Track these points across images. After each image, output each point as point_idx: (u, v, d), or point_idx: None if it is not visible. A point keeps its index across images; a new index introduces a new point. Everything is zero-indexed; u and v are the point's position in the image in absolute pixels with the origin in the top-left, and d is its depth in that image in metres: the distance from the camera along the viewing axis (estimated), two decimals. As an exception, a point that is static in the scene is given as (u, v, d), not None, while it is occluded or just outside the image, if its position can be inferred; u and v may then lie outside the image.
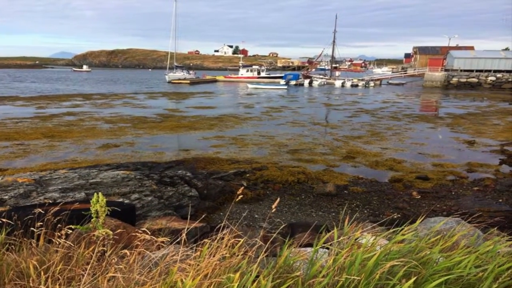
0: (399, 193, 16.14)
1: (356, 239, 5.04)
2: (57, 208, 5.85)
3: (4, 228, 5.34)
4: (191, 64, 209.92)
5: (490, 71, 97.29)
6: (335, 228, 5.24)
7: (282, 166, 19.72)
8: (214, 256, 4.21)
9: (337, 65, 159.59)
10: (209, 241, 4.56)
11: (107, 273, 4.14)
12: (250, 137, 27.64)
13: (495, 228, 6.79)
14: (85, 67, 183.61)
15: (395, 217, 12.44)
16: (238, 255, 4.43)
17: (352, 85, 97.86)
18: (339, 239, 5.00)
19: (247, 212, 13.54)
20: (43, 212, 5.53)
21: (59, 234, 4.89)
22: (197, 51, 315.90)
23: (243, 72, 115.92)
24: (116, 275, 4.04)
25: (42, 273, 4.17)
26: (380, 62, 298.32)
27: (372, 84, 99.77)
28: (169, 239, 5.02)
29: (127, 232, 6.40)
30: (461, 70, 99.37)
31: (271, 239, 5.18)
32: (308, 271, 4.45)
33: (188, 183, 14.83)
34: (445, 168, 19.97)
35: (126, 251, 4.52)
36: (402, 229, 5.20)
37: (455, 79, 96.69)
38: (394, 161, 21.07)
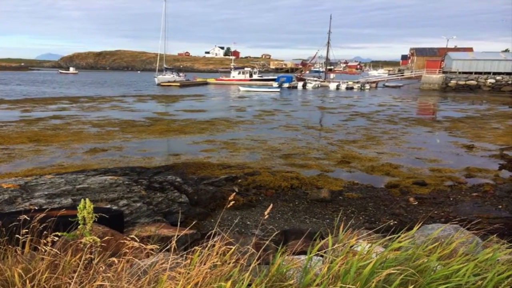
0: (395, 199, 16.18)
1: (351, 247, 5.05)
2: (43, 215, 5.84)
3: (-12, 235, 5.33)
4: (181, 66, 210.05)
5: (489, 73, 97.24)
6: (329, 235, 5.24)
7: (275, 171, 19.74)
8: (205, 264, 4.22)
9: (332, 67, 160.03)
10: (200, 248, 4.56)
11: (94, 282, 4.13)
12: (242, 141, 27.67)
13: (495, 235, 6.81)
14: (71, 69, 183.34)
15: (392, 223, 12.51)
16: (229, 263, 4.44)
17: (347, 88, 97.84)
18: (334, 247, 5.00)
19: (239, 219, 13.55)
20: (28, 218, 5.52)
21: (45, 242, 4.88)
22: (187, 52, 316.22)
23: (234, 74, 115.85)
24: (103, 283, 4.04)
25: (27, 281, 4.16)
26: (376, 64, 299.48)
27: (367, 86, 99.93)
28: (158, 247, 5.02)
29: (115, 239, 6.39)
30: (459, 72, 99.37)
31: (263, 247, 5.19)
32: (302, 279, 4.46)
33: (178, 189, 14.82)
34: (443, 173, 20.02)
35: (114, 259, 4.51)
36: (399, 236, 5.21)
37: (453, 82, 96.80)
38: (390, 166, 21.10)
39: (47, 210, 7.01)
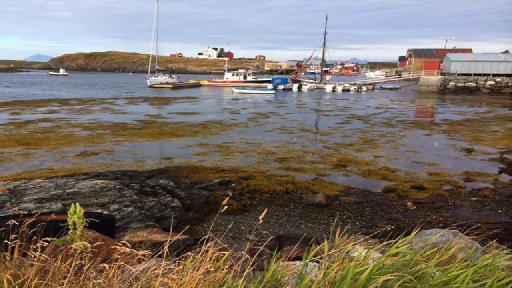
0: (393, 204, 16.18)
1: (347, 252, 5.05)
2: (32, 220, 5.83)
3: (-24, 241, 5.32)
4: (174, 68, 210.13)
5: (489, 75, 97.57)
6: (325, 240, 5.25)
7: (270, 175, 19.73)
8: (198, 270, 4.22)
9: (328, 68, 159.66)
10: (193, 254, 4.56)
11: (85, 288, 4.13)
12: (236, 145, 27.66)
13: (494, 240, 6.81)
14: (61, 71, 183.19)
15: (389, 229, 12.45)
16: (223, 269, 4.44)
17: (343, 90, 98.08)
18: (330, 252, 5.00)
19: (232, 224, 13.54)
20: (17, 223, 5.51)
21: (35, 247, 4.87)
22: (180, 54, 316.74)
23: (228, 76, 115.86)
24: (94, 290, 4.04)
25: (16, 287, 4.15)
26: (373, 66, 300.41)
27: (364, 88, 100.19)
28: (150, 252, 5.01)
29: (106, 244, 6.40)
30: (458, 74, 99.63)
31: (258, 252, 5.19)
32: (297, 286, 4.46)
33: (171, 193, 14.80)
34: (442, 177, 20.03)
35: (105, 264, 4.51)
36: (396, 241, 5.21)
37: (452, 84, 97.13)
38: (387, 170, 21.12)
39: (36, 215, 7.01)
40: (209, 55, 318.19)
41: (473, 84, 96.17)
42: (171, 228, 6.51)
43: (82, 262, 4.84)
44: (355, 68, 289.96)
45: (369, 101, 69.79)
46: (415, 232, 5.82)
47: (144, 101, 63.72)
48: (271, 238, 9.91)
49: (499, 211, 15.29)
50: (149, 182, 16.08)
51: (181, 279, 4.09)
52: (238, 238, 12.17)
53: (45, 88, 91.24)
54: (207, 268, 4.31)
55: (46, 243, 5.13)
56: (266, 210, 6.14)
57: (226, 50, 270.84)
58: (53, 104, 53.86)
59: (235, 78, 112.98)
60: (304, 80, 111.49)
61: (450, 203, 16.25)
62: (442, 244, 5.69)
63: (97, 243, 5.69)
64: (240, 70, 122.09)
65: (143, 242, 7.48)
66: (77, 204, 5.72)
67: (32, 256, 4.78)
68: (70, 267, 4.54)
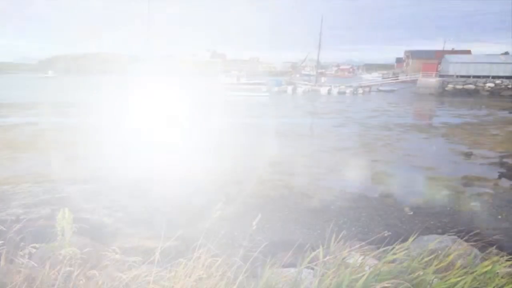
0: (390, 209, 16.17)
1: (343, 259, 5.05)
2: (20, 225, 5.83)
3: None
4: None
5: (488, 77, 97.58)
6: (320, 247, 5.25)
7: (264, 179, 19.70)
8: (190, 277, 4.21)
9: (323, 70, 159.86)
10: (185, 260, 4.56)
11: (74, 296, 4.12)
12: (229, 148, 27.58)
13: (494, 247, 6.83)
14: (50, 73, 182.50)
15: (386, 235, 12.48)
16: (216, 276, 4.43)
17: (339, 92, 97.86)
18: (325, 259, 5.00)
19: (225, 229, 13.52)
20: (5, 229, 5.50)
21: (22, 253, 4.87)
22: (172, 55, 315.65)
23: (221, 78, 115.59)
24: (84, 298, 4.03)
25: (3, 296, 4.14)
26: (370, 67, 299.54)
27: (360, 91, 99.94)
28: (141, 259, 5.01)
29: (96, 250, 6.39)
30: (457, 76, 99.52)
31: (251, 259, 5.19)
32: (292, 293, 4.46)
33: (163, 197, 14.78)
34: (440, 181, 20.00)
35: (94, 271, 4.51)
36: (393, 247, 5.22)
37: (450, 86, 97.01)
38: (384, 174, 21.11)
39: (24, 220, 7.00)
40: (202, 56, 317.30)
41: (472, 86, 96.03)
42: (163, 234, 6.50)
43: (71, 268, 4.83)
44: (351, 69, 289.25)
45: (365, 104, 69.84)
46: (413, 238, 5.83)
47: (137, 103, 63.53)
48: (265, 244, 9.90)
49: (499, 217, 15.30)
50: (140, 185, 16.07)
51: (172, 286, 4.09)
52: (231, 244, 12.16)
53: (33, 91, 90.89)
54: (199, 275, 4.30)
55: (34, 250, 5.13)
56: (260, 215, 6.14)
57: (219, 51, 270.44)
58: (41, 107, 53.52)
59: (228, 80, 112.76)
60: (299, 82, 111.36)
61: (448, 209, 16.25)
62: (440, 251, 5.69)
63: (87, 249, 5.69)
64: (233, 72, 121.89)
65: (134, 248, 7.47)
66: (66, 209, 5.71)
67: (20, 262, 4.77)
68: (59, 274, 4.53)
